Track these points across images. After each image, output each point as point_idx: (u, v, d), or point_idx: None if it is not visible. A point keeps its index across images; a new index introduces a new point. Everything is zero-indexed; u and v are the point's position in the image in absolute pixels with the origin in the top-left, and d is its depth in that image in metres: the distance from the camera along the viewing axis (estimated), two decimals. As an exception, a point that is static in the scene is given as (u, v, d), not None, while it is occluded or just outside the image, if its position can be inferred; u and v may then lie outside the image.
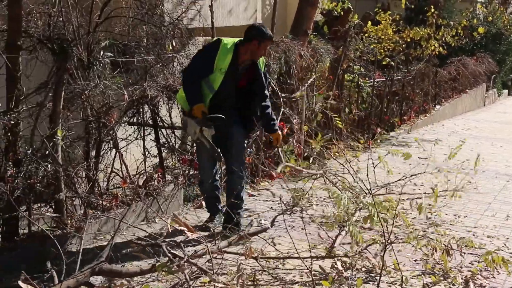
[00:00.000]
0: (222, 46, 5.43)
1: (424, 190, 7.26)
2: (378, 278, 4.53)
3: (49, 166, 5.03)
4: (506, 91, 26.72)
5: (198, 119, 5.31)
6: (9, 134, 4.87)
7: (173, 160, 6.99)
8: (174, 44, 6.84)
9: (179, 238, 5.06)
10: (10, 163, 4.84)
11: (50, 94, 5.29)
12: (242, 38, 5.54)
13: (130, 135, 6.46)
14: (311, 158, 8.37)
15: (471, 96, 20.03)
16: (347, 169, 5.92)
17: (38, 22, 5.54)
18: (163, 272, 4.09)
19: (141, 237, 4.98)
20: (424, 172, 7.08)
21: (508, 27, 22.87)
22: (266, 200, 6.94)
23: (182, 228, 4.06)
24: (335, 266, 4.78)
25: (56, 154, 5.12)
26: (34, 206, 5.11)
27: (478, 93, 21.26)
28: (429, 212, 6.59)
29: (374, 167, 5.71)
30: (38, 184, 4.96)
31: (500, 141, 13.22)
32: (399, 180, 6.95)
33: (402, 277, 4.47)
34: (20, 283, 3.45)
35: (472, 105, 20.28)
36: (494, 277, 4.97)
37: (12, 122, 4.87)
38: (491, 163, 10.26)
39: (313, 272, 4.60)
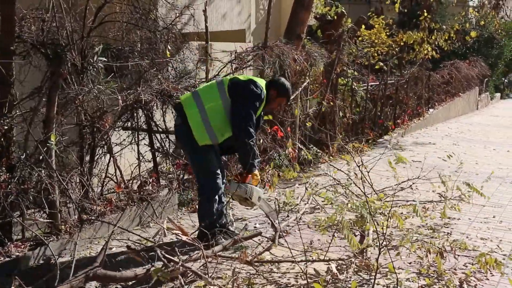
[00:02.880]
0: (264, 87, 5.37)
1: (418, 193, 7.26)
2: (373, 281, 4.52)
3: (43, 171, 5.01)
4: (498, 94, 26.90)
5: (255, 187, 5.18)
6: (2, 139, 4.87)
7: (167, 164, 6.97)
8: (170, 49, 6.83)
9: (174, 242, 5.04)
10: (4, 168, 4.83)
11: (44, 99, 5.29)
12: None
13: (124, 139, 6.46)
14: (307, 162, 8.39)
15: (464, 99, 20.12)
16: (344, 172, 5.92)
17: (32, 27, 5.54)
18: (158, 277, 4.07)
19: (136, 241, 4.97)
20: (418, 178, 7.12)
21: (500, 31, 23.05)
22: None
23: (177, 231, 4.03)
24: (330, 269, 4.76)
25: (50, 159, 5.10)
26: (28, 212, 5.09)
27: (471, 97, 21.36)
28: (425, 216, 6.58)
29: (368, 171, 5.74)
30: (32, 190, 4.94)
31: (493, 144, 13.25)
32: (398, 184, 6.94)
33: (397, 280, 4.46)
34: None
35: (465, 108, 20.37)
36: (488, 279, 4.95)
37: (6, 127, 4.87)
38: (485, 166, 10.27)
39: (308, 275, 4.59)
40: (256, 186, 5.18)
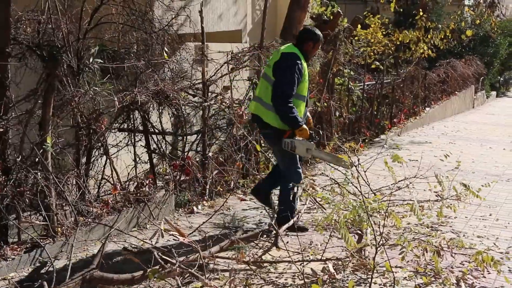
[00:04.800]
0: (300, 56, 5.57)
1: (415, 192, 7.26)
2: (370, 280, 4.51)
3: (38, 173, 5.01)
4: (494, 93, 26.99)
5: (305, 140, 5.49)
6: (-2, 141, 4.86)
7: (164, 166, 6.98)
8: (167, 50, 6.83)
9: (171, 244, 5.04)
10: (0, 170, 4.81)
11: (39, 101, 5.29)
12: (294, 44, 5.73)
13: (120, 141, 6.47)
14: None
15: (460, 98, 20.16)
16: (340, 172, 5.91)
17: (27, 29, 5.55)
18: (155, 279, 4.06)
19: (133, 243, 4.96)
20: (415, 177, 7.11)
21: (495, 29, 23.12)
22: (257, 208, 6.88)
23: (174, 232, 4.02)
24: (327, 269, 4.76)
25: (46, 161, 5.11)
26: (24, 214, 5.06)
27: (467, 95, 21.41)
28: (422, 214, 6.58)
29: (365, 171, 5.73)
30: (28, 192, 4.94)
31: (489, 142, 13.29)
32: (394, 183, 6.94)
33: (394, 279, 4.45)
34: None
35: (461, 107, 20.41)
36: (485, 277, 4.96)
37: (1, 129, 4.86)
38: (481, 164, 10.31)
39: (305, 275, 4.58)
40: (302, 139, 5.48)
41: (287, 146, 5.51)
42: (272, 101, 5.45)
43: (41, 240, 4.95)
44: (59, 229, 5.13)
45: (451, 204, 6.54)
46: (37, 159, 5.09)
